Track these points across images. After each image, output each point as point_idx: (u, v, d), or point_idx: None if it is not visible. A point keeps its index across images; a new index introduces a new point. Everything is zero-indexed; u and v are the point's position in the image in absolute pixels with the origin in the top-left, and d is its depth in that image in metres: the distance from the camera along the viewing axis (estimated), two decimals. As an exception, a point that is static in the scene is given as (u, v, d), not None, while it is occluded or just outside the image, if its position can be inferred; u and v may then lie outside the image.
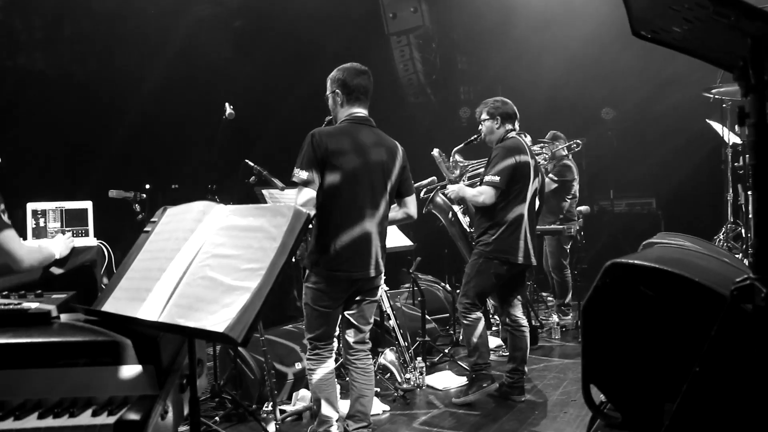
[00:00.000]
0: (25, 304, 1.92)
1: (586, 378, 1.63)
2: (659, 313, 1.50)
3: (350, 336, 3.27)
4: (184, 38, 6.72)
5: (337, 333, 3.33)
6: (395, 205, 3.37)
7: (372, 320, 3.36)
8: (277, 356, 4.21)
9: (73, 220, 3.67)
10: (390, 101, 8.34)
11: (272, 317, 5.59)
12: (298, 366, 4.25)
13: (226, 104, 3.84)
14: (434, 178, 4.87)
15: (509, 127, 4.34)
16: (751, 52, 1.19)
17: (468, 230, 4.80)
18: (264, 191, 4.16)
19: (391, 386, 4.47)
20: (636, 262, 1.54)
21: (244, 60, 7.42)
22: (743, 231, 5.19)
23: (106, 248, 3.62)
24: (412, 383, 4.53)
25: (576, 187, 6.53)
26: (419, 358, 4.69)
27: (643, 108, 8.11)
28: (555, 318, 6.25)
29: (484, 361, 4.27)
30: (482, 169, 4.49)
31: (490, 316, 6.12)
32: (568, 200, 6.46)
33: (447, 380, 4.71)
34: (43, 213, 3.62)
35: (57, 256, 3.22)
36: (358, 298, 3.22)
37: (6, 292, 2.10)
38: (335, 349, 3.30)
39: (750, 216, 4.90)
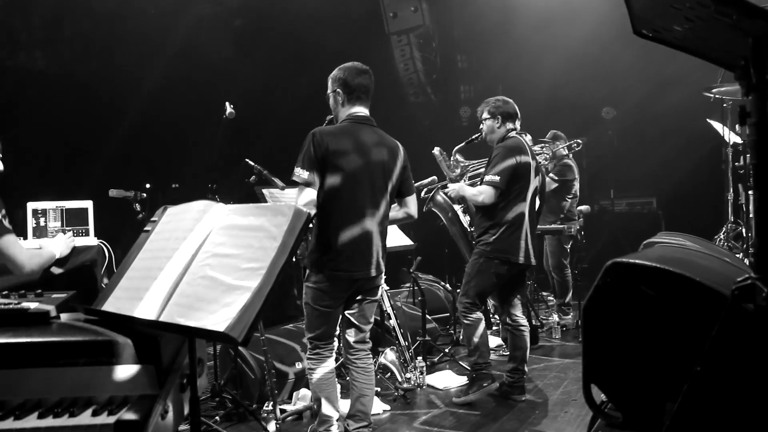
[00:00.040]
0: (25, 304, 1.92)
1: (587, 377, 1.63)
2: (660, 313, 1.49)
3: (351, 335, 3.27)
4: (184, 38, 6.72)
5: (337, 332, 3.33)
6: (396, 204, 3.37)
7: (372, 320, 3.36)
8: (277, 356, 4.21)
9: (73, 220, 3.67)
10: (390, 101, 8.34)
11: (273, 317, 5.60)
12: (299, 365, 4.25)
13: (227, 103, 3.84)
14: (435, 177, 4.87)
15: (510, 126, 4.34)
16: (752, 51, 1.19)
17: (468, 229, 4.80)
18: (264, 190, 4.16)
19: (392, 386, 4.47)
20: (637, 261, 1.53)
21: (245, 59, 7.42)
22: (744, 231, 5.19)
23: (106, 248, 3.62)
24: (412, 383, 4.53)
25: (576, 186, 6.53)
26: (419, 358, 4.69)
27: (643, 107, 8.10)
28: (555, 317, 6.25)
29: (484, 360, 4.27)
30: (483, 169, 4.49)
31: (491, 315, 6.11)
32: (569, 200, 6.46)
33: (447, 380, 4.71)
34: (44, 212, 3.62)
35: (57, 256, 3.22)
36: (358, 298, 3.22)
37: (6, 292, 2.11)
38: (336, 348, 3.30)
39: (750, 216, 4.90)
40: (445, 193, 4.73)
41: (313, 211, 2.99)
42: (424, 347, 4.94)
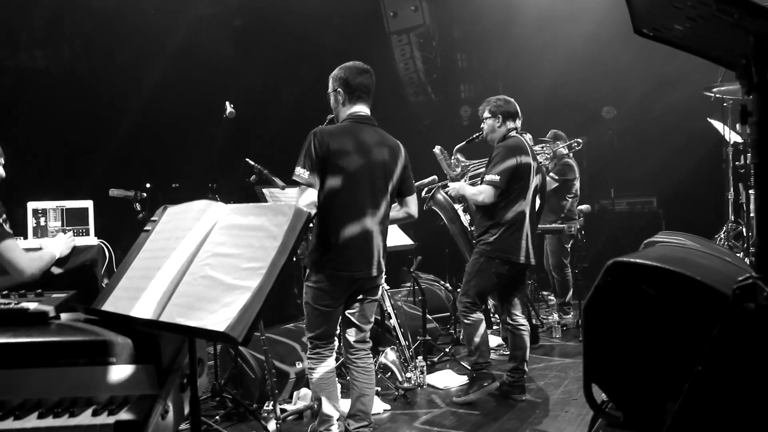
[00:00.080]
0: (24, 304, 1.92)
1: (588, 377, 1.63)
2: (661, 312, 1.49)
3: (351, 335, 3.26)
4: (184, 37, 6.72)
5: (338, 332, 3.33)
6: (396, 204, 3.36)
7: (373, 319, 3.35)
8: (278, 355, 4.21)
9: (73, 219, 3.67)
10: (390, 100, 8.34)
11: (273, 316, 5.60)
12: (300, 365, 4.25)
13: (227, 103, 3.84)
14: (435, 177, 4.87)
15: (511, 125, 4.34)
16: (753, 50, 1.18)
17: (468, 228, 4.80)
18: (264, 190, 4.16)
19: (392, 385, 4.47)
20: (638, 260, 1.53)
21: (245, 59, 7.42)
22: (744, 230, 5.19)
23: (106, 247, 3.62)
24: (412, 382, 4.53)
25: (577, 185, 6.53)
26: (420, 357, 4.69)
27: (643, 107, 8.10)
28: (556, 317, 6.25)
29: (484, 360, 4.27)
30: (483, 169, 4.48)
31: (491, 315, 6.11)
32: (569, 199, 6.45)
33: (448, 379, 4.71)
34: (44, 212, 3.62)
35: (58, 256, 3.22)
36: (359, 297, 3.22)
37: (6, 292, 2.10)
38: (336, 347, 3.30)
39: (751, 215, 4.90)
40: (446, 192, 4.73)
41: (313, 211, 2.99)
42: (425, 347, 4.94)
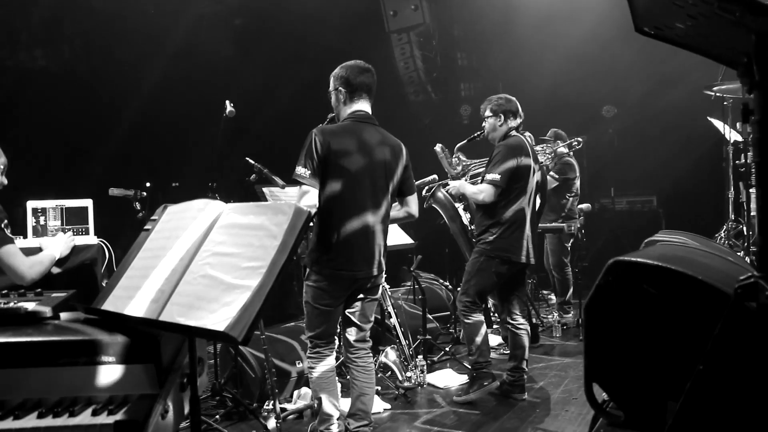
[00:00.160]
0: (22, 304, 1.92)
1: (589, 376, 1.63)
2: (662, 312, 1.49)
3: (351, 334, 3.26)
4: (184, 37, 6.72)
5: (338, 331, 3.32)
6: (397, 203, 3.36)
7: (373, 318, 3.35)
8: (278, 354, 4.21)
9: (73, 219, 3.67)
10: (391, 99, 8.33)
11: (273, 316, 5.59)
12: (301, 364, 4.25)
13: (227, 102, 3.83)
14: (435, 176, 4.87)
15: (512, 124, 4.33)
16: (755, 48, 1.18)
17: (468, 227, 4.80)
18: (265, 189, 4.16)
19: (392, 384, 4.46)
20: (639, 260, 1.53)
21: (245, 58, 7.42)
22: (744, 229, 5.18)
23: (106, 246, 3.62)
24: (413, 381, 4.53)
25: (577, 184, 6.52)
26: (420, 357, 4.68)
27: (644, 106, 8.09)
28: (556, 316, 6.25)
29: (484, 359, 4.27)
30: (483, 169, 4.48)
31: (491, 314, 6.11)
32: (570, 198, 6.45)
33: (448, 378, 4.71)
34: (44, 211, 3.62)
35: (58, 257, 3.22)
36: (359, 297, 3.21)
37: (6, 291, 2.10)
38: (336, 347, 3.29)
39: (752, 214, 4.89)
40: (447, 191, 4.72)
41: (313, 210, 2.98)
42: (425, 346, 4.94)
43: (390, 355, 4.64)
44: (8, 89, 6.00)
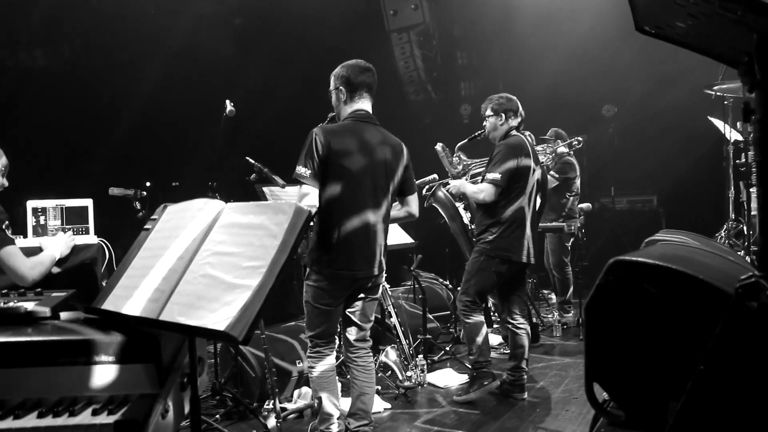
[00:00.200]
0: (21, 304, 1.92)
1: (589, 376, 1.62)
2: (663, 311, 1.49)
3: (351, 334, 3.26)
4: (184, 36, 6.72)
5: (338, 330, 3.32)
6: (397, 203, 3.36)
7: (373, 318, 3.35)
8: (278, 354, 4.21)
9: (73, 218, 3.66)
10: (391, 99, 8.33)
11: (273, 315, 5.59)
12: (301, 363, 4.25)
13: (227, 101, 3.83)
14: (435, 175, 4.87)
15: (513, 124, 4.33)
16: (756, 47, 1.17)
17: (469, 226, 4.80)
18: (265, 188, 4.16)
19: (393, 384, 4.46)
20: (639, 259, 1.52)
21: (245, 58, 7.41)
22: (745, 228, 5.18)
23: (106, 246, 3.62)
24: (413, 381, 4.53)
25: (578, 184, 6.52)
26: (420, 356, 4.68)
27: (644, 105, 8.09)
28: (556, 315, 6.25)
29: (485, 359, 4.26)
30: (484, 168, 4.47)
31: (491, 313, 6.11)
32: (570, 197, 6.45)
33: (448, 378, 4.71)
34: (44, 210, 3.61)
35: (58, 257, 3.22)
36: (360, 296, 3.21)
37: (6, 291, 2.10)
38: (336, 346, 3.29)
39: (752, 213, 4.89)
40: (447, 190, 4.72)
41: (314, 210, 2.98)
42: (425, 345, 4.94)
43: (390, 355, 4.64)
44: (8, 89, 6.00)
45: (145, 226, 2.17)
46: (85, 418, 1.64)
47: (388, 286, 4.80)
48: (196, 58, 6.87)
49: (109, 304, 1.94)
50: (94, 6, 6.43)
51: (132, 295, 1.88)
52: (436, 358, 5.19)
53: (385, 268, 3.28)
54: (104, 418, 1.62)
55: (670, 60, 7.08)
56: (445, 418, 3.99)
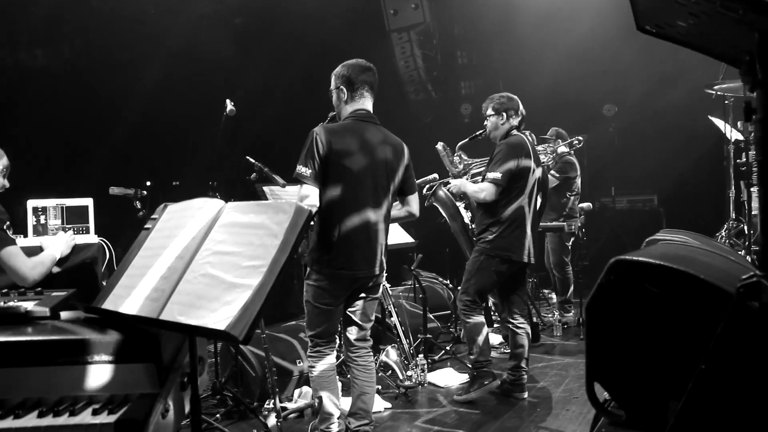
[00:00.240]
0: (21, 304, 1.92)
1: (590, 375, 1.62)
2: (664, 311, 1.48)
3: (351, 333, 3.26)
4: (184, 36, 6.71)
5: (338, 330, 3.32)
6: (398, 203, 3.36)
7: (373, 317, 3.35)
8: (279, 353, 4.21)
9: (73, 217, 3.66)
10: (391, 98, 8.32)
11: (274, 314, 5.59)
12: (300, 363, 4.25)
13: (227, 101, 3.83)
14: (436, 175, 4.86)
15: (514, 123, 4.32)
16: (758, 46, 1.17)
17: (469, 226, 4.79)
18: (265, 188, 4.15)
19: (393, 383, 4.46)
20: (640, 259, 1.52)
21: (245, 57, 7.41)
22: (745, 228, 5.17)
23: (106, 245, 3.61)
24: (413, 380, 4.53)
25: (578, 183, 6.52)
26: (421, 356, 4.68)
27: (644, 104, 8.08)
28: (557, 315, 6.24)
29: (485, 358, 4.26)
30: (484, 168, 4.47)
31: (492, 313, 6.10)
32: (570, 197, 6.44)
33: (449, 377, 4.71)
34: (44, 210, 3.61)
35: (59, 256, 3.22)
36: (360, 296, 3.21)
37: (6, 290, 2.10)
38: (337, 345, 3.29)
39: (753, 213, 4.88)
40: (448, 189, 4.72)
41: (314, 209, 2.98)
42: (426, 345, 4.94)
43: (391, 354, 4.64)
44: (8, 89, 5.99)
45: (146, 226, 2.17)
46: (85, 417, 1.63)
47: (388, 285, 4.80)
48: (196, 57, 6.86)
49: (109, 304, 1.93)
50: (95, 6, 6.43)
51: (132, 295, 1.88)
52: (436, 357, 5.19)
53: (385, 268, 3.28)
54: (105, 418, 1.62)
55: (671, 59, 7.08)
56: (445, 417, 3.99)
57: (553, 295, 6.94)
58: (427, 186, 4.76)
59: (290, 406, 4.00)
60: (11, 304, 1.91)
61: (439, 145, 4.82)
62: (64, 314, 1.99)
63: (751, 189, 5.04)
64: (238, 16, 7.95)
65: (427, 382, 4.60)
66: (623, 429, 1.59)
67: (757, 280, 1.20)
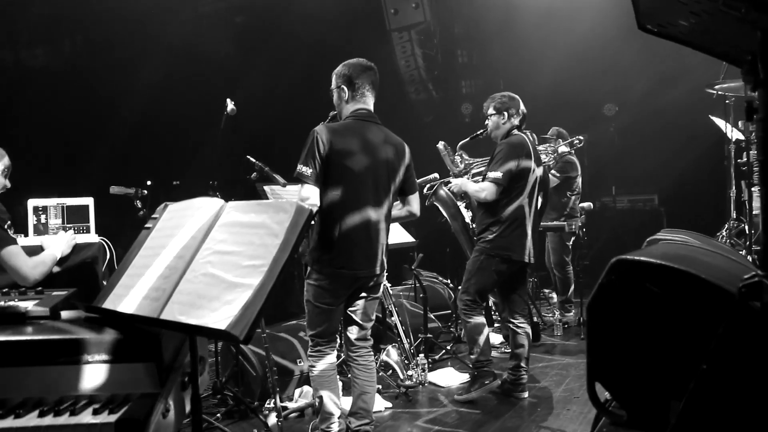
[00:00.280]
0: (21, 303, 1.92)
1: (591, 375, 1.62)
2: (665, 311, 1.48)
3: (352, 333, 3.25)
4: (185, 35, 6.71)
5: (339, 329, 3.32)
6: (398, 202, 3.35)
7: (374, 317, 3.35)
8: (279, 353, 4.21)
9: (74, 217, 3.66)
10: (391, 97, 8.32)
11: (275, 314, 5.59)
12: (301, 363, 4.24)
13: (228, 100, 3.83)
14: (436, 174, 4.86)
15: (515, 122, 4.32)
16: (760, 45, 1.17)
17: (470, 225, 4.79)
18: (266, 187, 4.15)
19: (394, 383, 4.46)
20: (642, 258, 1.52)
21: (246, 56, 7.41)
22: (746, 228, 5.17)
23: (107, 245, 3.61)
24: (414, 380, 4.53)
25: (579, 183, 6.51)
26: (421, 355, 4.68)
27: (645, 104, 8.07)
28: (557, 315, 6.24)
29: (486, 358, 4.26)
30: (485, 167, 4.47)
31: (492, 312, 6.10)
32: (571, 196, 6.44)
33: (449, 377, 4.70)
34: (44, 209, 3.61)
35: (59, 256, 3.22)
36: (361, 295, 3.21)
37: (6, 290, 2.10)
38: (337, 345, 3.29)
39: (754, 212, 4.88)
40: (448, 188, 4.71)
41: (315, 209, 2.97)
42: (426, 344, 4.94)
43: (391, 354, 4.64)
44: (8, 89, 6.00)
45: (146, 225, 2.17)
46: (86, 417, 1.63)
47: (389, 285, 4.80)
48: (197, 57, 6.87)
49: (109, 303, 1.93)
50: (95, 5, 6.43)
51: (133, 294, 1.87)
52: (437, 357, 5.19)
53: (386, 267, 3.27)
54: (105, 418, 1.62)
55: (671, 59, 7.07)
56: (446, 417, 3.99)
57: (554, 295, 6.93)
58: (428, 185, 4.76)
59: (291, 405, 4.00)
60: (11, 303, 1.91)
61: (440, 145, 4.82)
62: (65, 314, 1.99)
63: (752, 189, 5.04)
64: (239, 16, 7.96)
65: (427, 381, 4.60)
66: (624, 429, 1.59)
67: (758, 280, 1.20)
